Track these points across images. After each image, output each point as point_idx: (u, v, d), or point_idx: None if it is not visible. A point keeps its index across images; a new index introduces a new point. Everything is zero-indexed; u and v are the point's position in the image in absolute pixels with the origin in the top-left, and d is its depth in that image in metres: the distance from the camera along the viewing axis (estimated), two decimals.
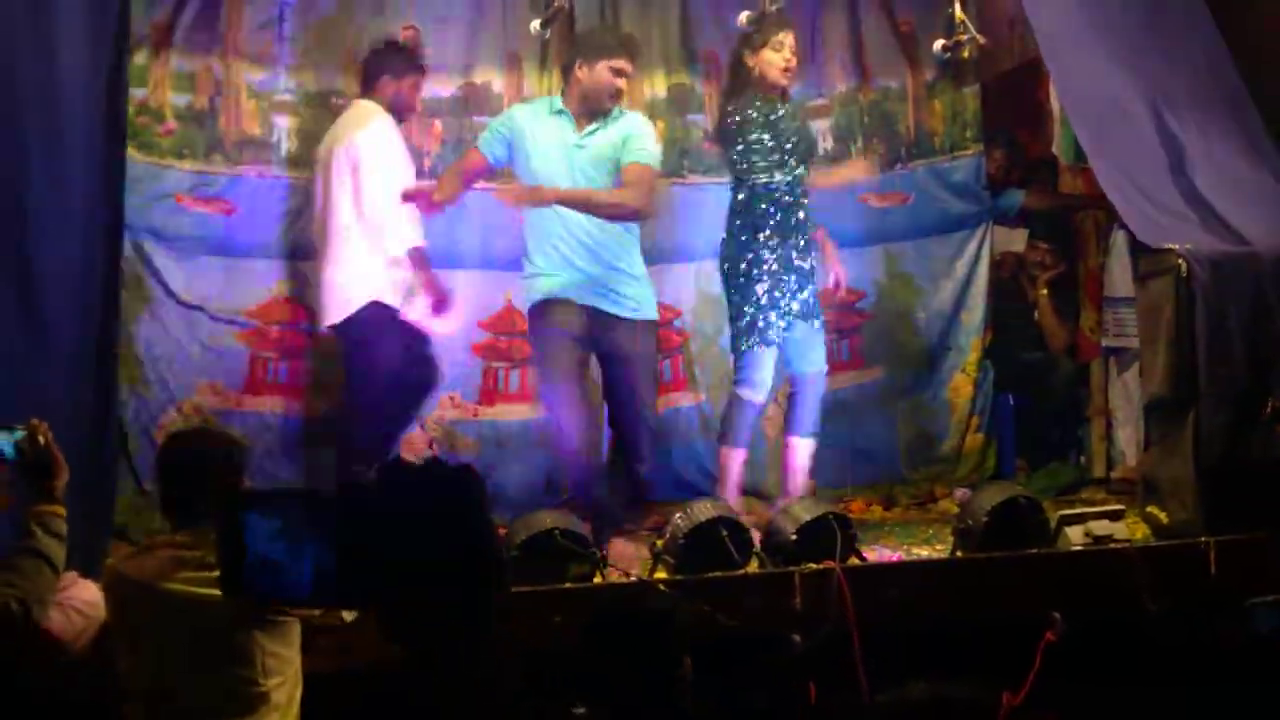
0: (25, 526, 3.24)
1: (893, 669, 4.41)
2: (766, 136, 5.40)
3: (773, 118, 5.41)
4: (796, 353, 5.53)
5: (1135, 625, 4.60)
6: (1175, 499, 5.01)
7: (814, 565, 4.51)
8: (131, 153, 5.67)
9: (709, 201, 6.58)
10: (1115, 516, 4.93)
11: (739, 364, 5.47)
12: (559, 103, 5.35)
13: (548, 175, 5.24)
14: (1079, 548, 4.81)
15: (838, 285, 5.79)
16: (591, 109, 5.28)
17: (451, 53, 6.37)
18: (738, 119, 5.42)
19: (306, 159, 6.12)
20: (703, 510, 4.69)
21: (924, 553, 5.18)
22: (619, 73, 5.27)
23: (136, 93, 5.86)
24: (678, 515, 4.70)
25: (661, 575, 4.54)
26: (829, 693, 4.30)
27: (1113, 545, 4.81)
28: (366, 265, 5.53)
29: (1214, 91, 5.43)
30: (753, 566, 4.65)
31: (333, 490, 1.15)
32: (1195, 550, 4.77)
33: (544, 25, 5.25)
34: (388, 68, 5.68)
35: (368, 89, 5.68)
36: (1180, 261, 4.94)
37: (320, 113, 6.19)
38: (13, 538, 3.28)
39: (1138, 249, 5.37)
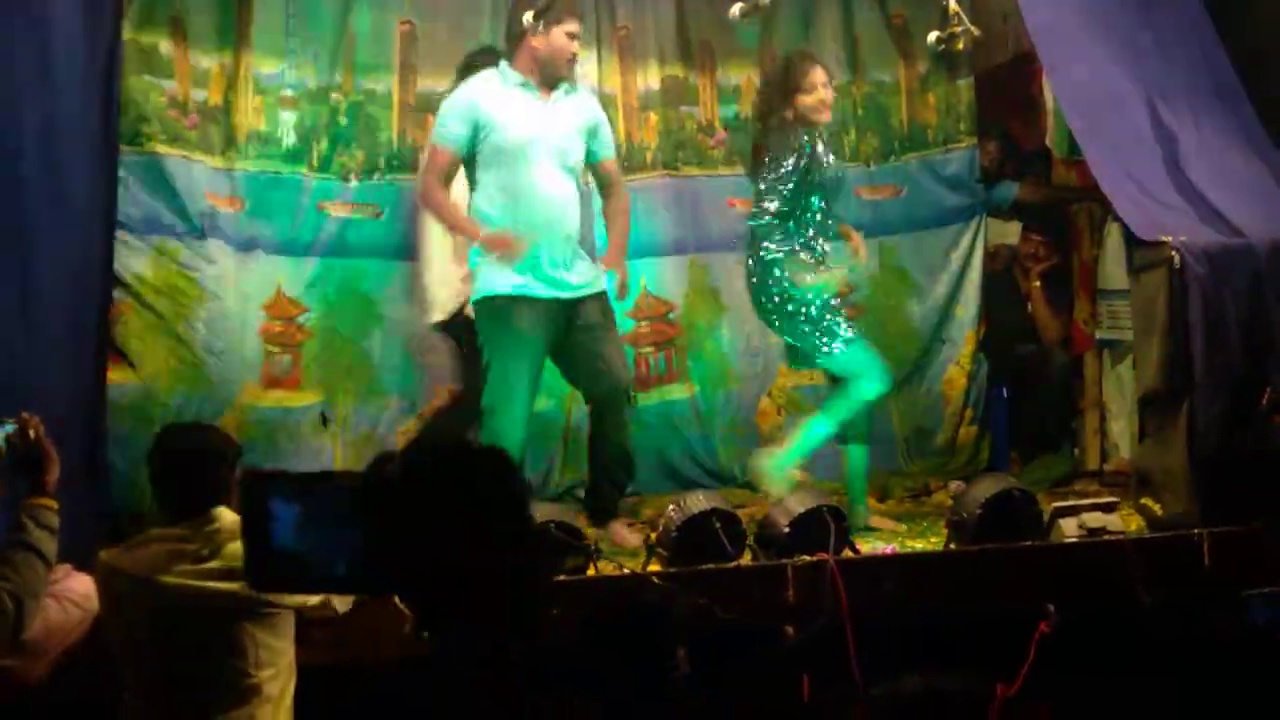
0: (16, 520, 3.23)
1: (886, 661, 4.41)
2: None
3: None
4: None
5: (1129, 617, 4.61)
6: (1169, 491, 5.01)
7: (807, 557, 4.51)
8: (162, 147, 5.72)
9: (702, 194, 6.59)
10: (1109, 509, 4.93)
11: None
12: (516, 75, 5.18)
13: (524, 148, 5.10)
14: (1073, 540, 4.80)
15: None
16: (550, 76, 5.18)
17: (445, 46, 6.35)
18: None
19: (306, 154, 6.12)
20: (695, 502, 4.69)
21: (918, 545, 5.18)
22: (573, 36, 5.18)
23: (166, 84, 5.87)
24: (670, 507, 4.70)
25: (655, 568, 4.54)
26: (823, 685, 4.30)
27: (1106, 537, 4.80)
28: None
29: (1209, 84, 5.43)
30: (746, 559, 4.64)
31: (360, 474, 1.11)
32: (1189, 542, 4.77)
33: (537, 18, 5.21)
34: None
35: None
36: (1174, 254, 4.94)
37: (320, 108, 6.19)
38: (4, 532, 3.27)
39: (1132, 241, 5.36)
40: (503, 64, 5.25)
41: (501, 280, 5.09)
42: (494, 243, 5.04)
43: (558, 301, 5.15)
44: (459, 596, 1.08)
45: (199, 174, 5.97)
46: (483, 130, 5.11)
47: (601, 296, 5.28)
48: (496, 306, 5.13)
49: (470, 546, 1.07)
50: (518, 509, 1.09)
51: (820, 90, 5.41)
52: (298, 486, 1.14)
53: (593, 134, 5.29)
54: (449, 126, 5.16)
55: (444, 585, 1.08)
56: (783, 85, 5.45)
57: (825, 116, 5.45)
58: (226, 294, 5.99)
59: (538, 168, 5.12)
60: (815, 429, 5.44)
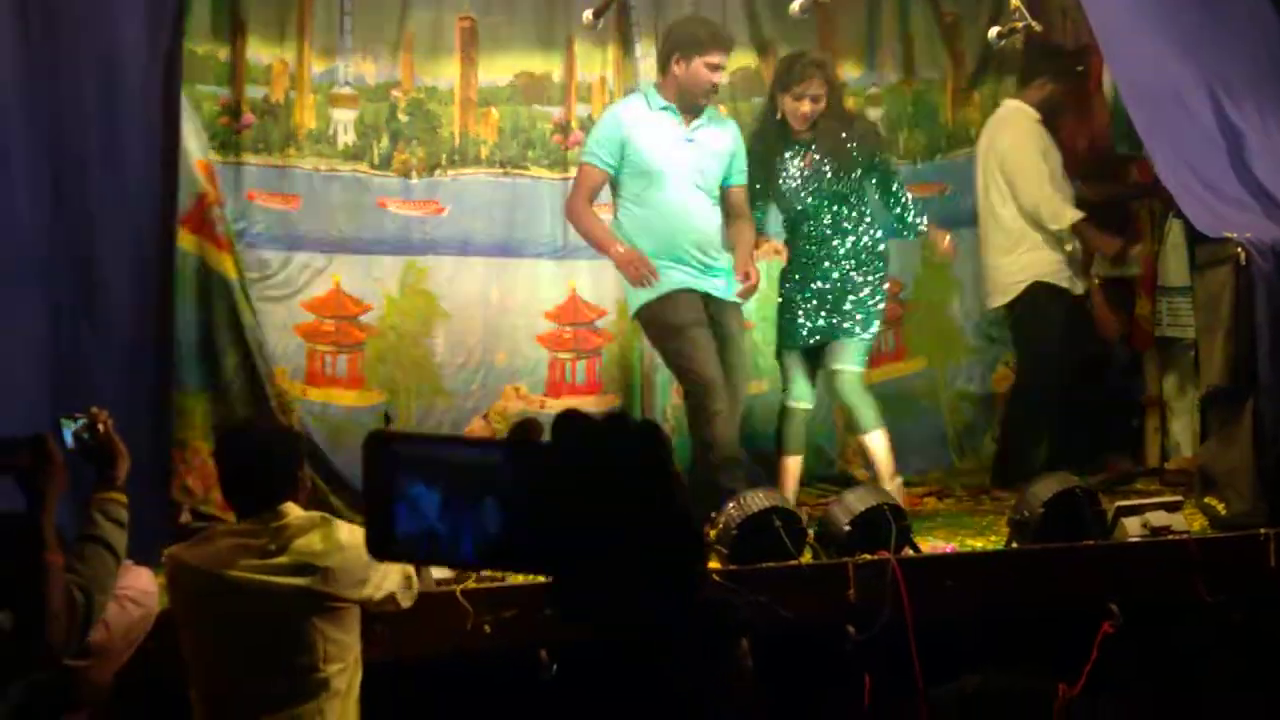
0: (87, 514, 3.26)
1: (948, 660, 4.39)
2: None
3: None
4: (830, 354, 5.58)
5: (1193, 617, 4.57)
6: (1233, 490, 4.96)
7: (868, 556, 4.49)
8: (214, 157, 5.76)
9: None
10: (1173, 508, 4.89)
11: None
12: (660, 98, 5.34)
13: (661, 170, 5.27)
14: (1135, 539, 4.76)
15: None
16: (689, 104, 5.35)
17: (506, 41, 6.37)
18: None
19: (367, 152, 6.16)
20: (756, 500, 4.67)
21: (978, 544, 5.14)
22: (715, 68, 5.32)
23: (221, 92, 5.92)
24: (730, 505, 4.68)
25: (714, 565, 4.53)
26: (884, 684, 4.29)
27: (1170, 537, 4.76)
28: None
29: (1274, 78, 5.36)
30: (806, 557, 4.62)
31: (501, 441, 1.01)
32: (1254, 542, 4.73)
33: (597, 15, 5.23)
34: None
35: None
36: (1239, 250, 4.89)
37: (379, 105, 6.22)
38: (75, 525, 3.30)
39: (1195, 238, 5.31)
40: (649, 88, 5.48)
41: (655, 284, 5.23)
42: (626, 261, 5.19)
43: (708, 296, 5.31)
44: (609, 574, 0.97)
45: (246, 176, 6.00)
46: (629, 151, 5.28)
47: (736, 309, 5.46)
48: (654, 306, 5.26)
49: (625, 520, 0.96)
50: (675, 484, 0.99)
51: (805, 102, 5.46)
52: (426, 450, 1.04)
53: (732, 160, 5.46)
54: (600, 148, 5.34)
55: (596, 565, 0.97)
56: (782, 80, 5.55)
57: (799, 126, 5.50)
58: (267, 292, 6.03)
59: (675, 188, 5.29)
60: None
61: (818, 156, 5.51)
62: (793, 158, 5.53)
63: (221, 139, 5.95)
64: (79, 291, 4.25)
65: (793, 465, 5.59)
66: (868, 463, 5.66)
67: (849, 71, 6.71)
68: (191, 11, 5.63)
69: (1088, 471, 5.72)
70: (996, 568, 4.76)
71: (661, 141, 5.30)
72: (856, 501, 4.71)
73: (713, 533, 4.63)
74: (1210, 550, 4.73)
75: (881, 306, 5.63)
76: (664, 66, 5.38)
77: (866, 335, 5.56)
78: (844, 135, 5.54)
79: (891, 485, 5.40)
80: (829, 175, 5.51)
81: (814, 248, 5.57)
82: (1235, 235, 4.93)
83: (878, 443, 5.52)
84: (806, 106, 5.46)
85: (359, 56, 6.21)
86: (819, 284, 5.54)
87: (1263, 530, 4.73)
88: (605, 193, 5.45)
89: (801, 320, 5.56)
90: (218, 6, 5.94)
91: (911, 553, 4.65)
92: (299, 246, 6.10)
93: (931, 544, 5.02)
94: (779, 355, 5.71)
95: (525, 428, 0.99)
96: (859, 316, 5.52)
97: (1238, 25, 5.39)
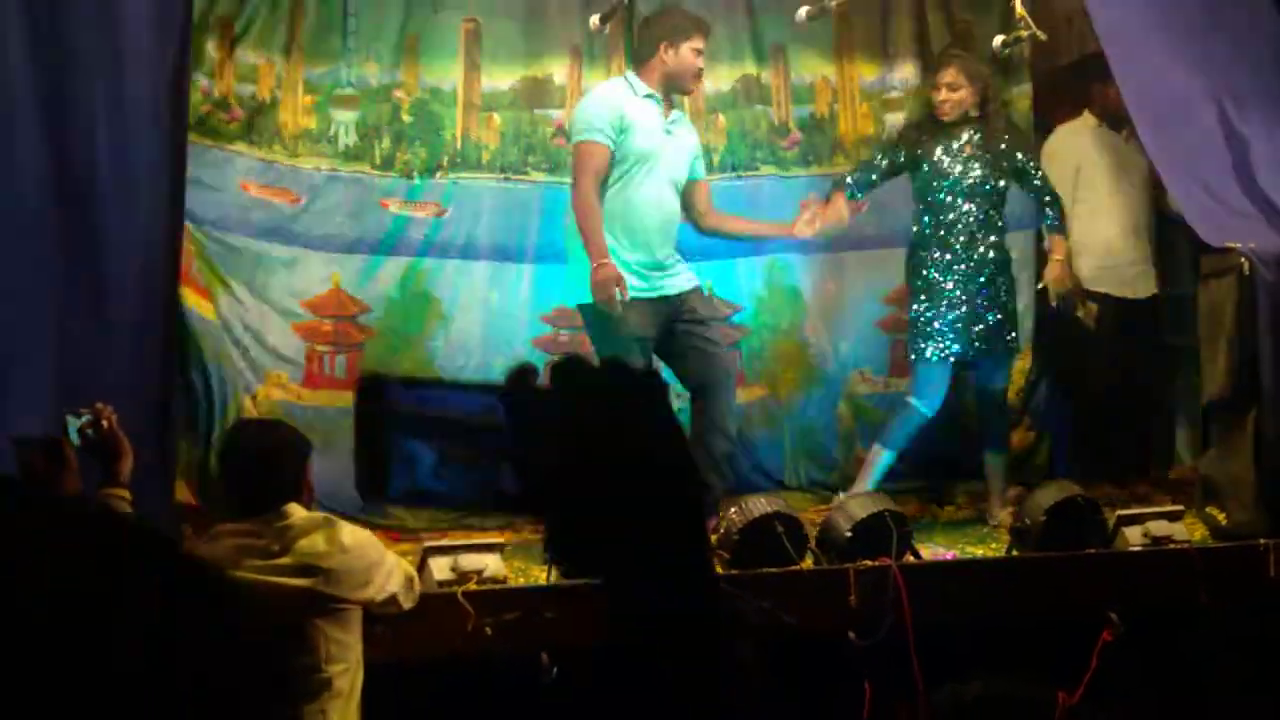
0: None
1: (948, 667, 4.39)
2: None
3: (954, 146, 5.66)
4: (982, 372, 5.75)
5: (1194, 626, 4.57)
6: (1234, 500, 4.97)
7: (869, 562, 4.50)
8: (199, 139, 5.73)
9: (780, 193, 6.57)
10: (1174, 517, 4.89)
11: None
12: (643, 85, 5.35)
13: (649, 156, 5.30)
14: (1137, 548, 4.76)
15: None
16: (676, 90, 5.42)
17: (510, 45, 6.38)
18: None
19: (367, 153, 6.16)
20: (758, 505, 4.68)
21: (979, 552, 5.15)
22: (699, 53, 5.39)
23: (205, 82, 5.91)
24: (733, 510, 4.69)
25: (716, 570, 4.53)
26: (885, 690, 4.29)
27: (1171, 546, 4.76)
28: None
29: (1279, 86, 5.36)
30: (808, 563, 4.63)
31: (497, 388, 0.99)
32: (1254, 552, 4.73)
33: (604, 20, 5.23)
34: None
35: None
36: (1244, 260, 4.90)
37: (381, 106, 6.22)
38: None
39: (1199, 248, 5.31)
40: (630, 75, 5.45)
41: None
42: (603, 280, 5.12)
43: (663, 300, 5.31)
44: (613, 525, 0.94)
45: (238, 165, 5.97)
46: (624, 133, 5.27)
47: (699, 292, 5.49)
48: (601, 309, 5.23)
49: (627, 465, 0.93)
50: (676, 428, 0.97)
51: (943, 90, 5.66)
52: (419, 393, 1.03)
53: (694, 159, 5.56)
54: (601, 121, 5.27)
55: (595, 512, 0.93)
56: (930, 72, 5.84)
57: (941, 116, 5.66)
58: (261, 286, 6.01)
59: (654, 179, 5.32)
60: (883, 461, 5.57)
61: (968, 151, 5.62)
62: (942, 150, 5.63)
63: (210, 125, 5.91)
64: (85, 289, 4.25)
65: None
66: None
67: (864, 75, 6.69)
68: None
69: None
70: (997, 575, 4.76)
71: (648, 126, 5.31)
72: (858, 508, 4.71)
73: (714, 538, 4.63)
74: (1211, 560, 4.73)
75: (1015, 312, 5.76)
76: (649, 55, 5.38)
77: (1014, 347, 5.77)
78: (997, 134, 5.70)
79: (1001, 512, 5.53)
80: (979, 172, 5.62)
81: (957, 246, 5.61)
82: (1239, 245, 4.93)
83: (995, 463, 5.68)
84: (943, 94, 5.62)
85: (361, 57, 6.21)
86: (957, 292, 5.59)
87: (1263, 541, 4.73)
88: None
89: (940, 328, 5.56)
90: (209, 7, 5.92)
91: (913, 559, 4.66)
92: (298, 244, 6.09)
93: (933, 550, 5.03)
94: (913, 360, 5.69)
95: (524, 374, 0.97)
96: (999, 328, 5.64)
97: (1244, 35, 5.38)
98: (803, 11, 5.55)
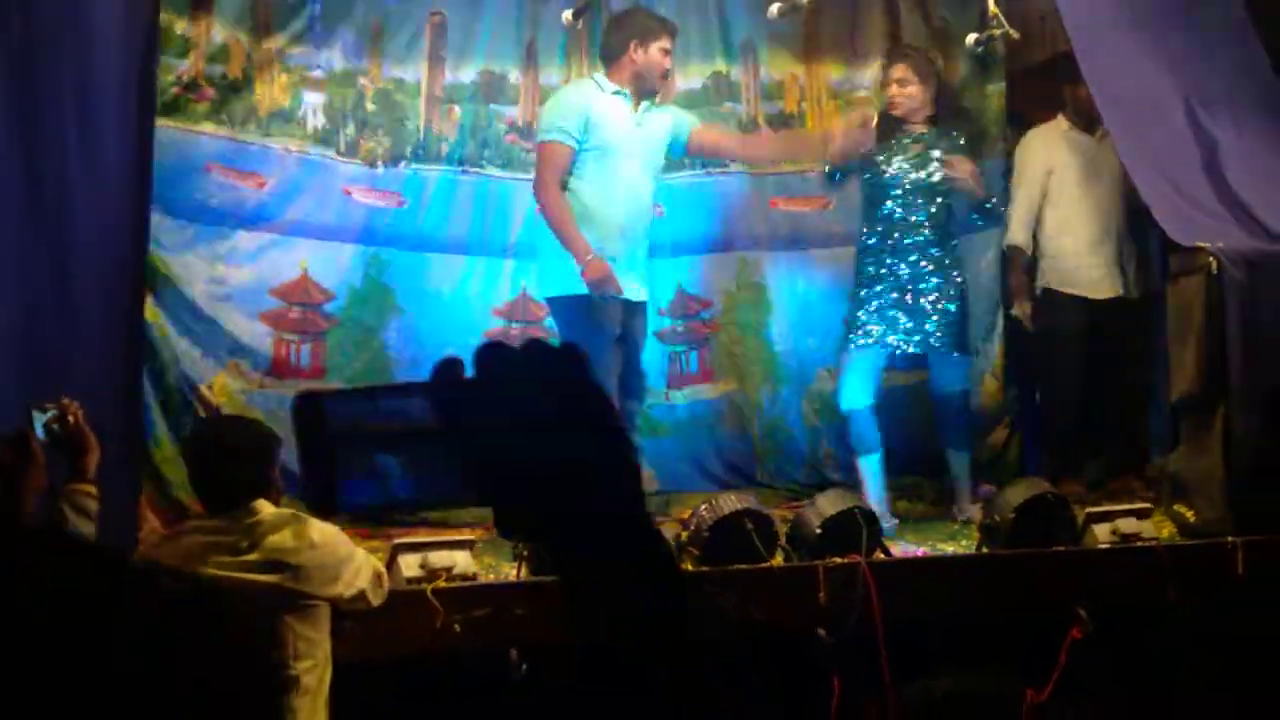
0: (55, 506, 3.24)
1: (917, 663, 4.40)
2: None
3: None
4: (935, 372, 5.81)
5: (1162, 622, 4.59)
6: (1203, 497, 4.99)
7: (839, 559, 4.50)
8: (165, 122, 5.66)
9: (746, 192, 6.59)
10: (1143, 515, 4.91)
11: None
12: (611, 84, 5.43)
13: (618, 153, 5.36)
14: (1105, 545, 4.78)
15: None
16: (643, 88, 5.46)
17: (474, 39, 6.37)
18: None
19: (334, 137, 6.13)
20: (728, 502, 4.68)
21: (949, 548, 5.16)
22: (667, 53, 5.47)
23: (179, 64, 5.86)
24: (703, 507, 4.69)
25: (686, 567, 4.53)
26: (853, 686, 4.30)
27: (1139, 543, 4.78)
28: None
29: (1249, 88, 5.38)
30: (778, 560, 4.63)
31: (421, 381, 1.01)
32: (1222, 549, 4.75)
33: (576, 16, 5.25)
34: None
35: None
36: (1212, 259, 4.92)
37: (347, 91, 6.19)
38: (44, 517, 3.28)
39: (1168, 246, 5.34)
40: (598, 75, 5.51)
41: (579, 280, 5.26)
42: (597, 275, 5.21)
43: (626, 304, 5.36)
44: (551, 490, 0.97)
45: (204, 146, 5.91)
46: (591, 130, 5.34)
47: (645, 309, 5.56)
48: (579, 304, 5.27)
49: (560, 441, 0.96)
50: (601, 397, 0.99)
51: (893, 86, 5.71)
52: (358, 404, 1.04)
53: (673, 138, 5.61)
54: (563, 122, 5.36)
55: (533, 489, 0.96)
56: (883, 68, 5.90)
57: (893, 112, 5.72)
58: (224, 274, 5.96)
59: (628, 169, 5.39)
60: (872, 468, 5.65)
61: (915, 151, 5.68)
62: (893, 148, 5.68)
63: (177, 107, 5.86)
64: (52, 280, 4.21)
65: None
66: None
67: (832, 74, 6.71)
68: None
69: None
70: (967, 572, 4.78)
71: (618, 121, 5.38)
72: (828, 505, 4.72)
73: (684, 535, 4.64)
74: (1179, 557, 4.75)
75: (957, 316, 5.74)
76: (619, 54, 5.44)
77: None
78: (954, 132, 5.78)
79: (971, 507, 5.59)
80: (925, 172, 5.67)
81: (901, 244, 5.65)
82: (1208, 244, 4.95)
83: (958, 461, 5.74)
84: (894, 90, 5.69)
85: (327, 39, 6.18)
86: (894, 285, 5.63)
87: (1231, 538, 4.75)
88: None
89: (867, 318, 5.63)
90: None
91: (882, 556, 4.67)
92: (267, 229, 6.05)
93: (902, 547, 5.04)
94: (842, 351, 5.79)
95: (449, 365, 1.00)
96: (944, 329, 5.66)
97: (1213, 35, 5.41)
98: (774, 8, 5.56)
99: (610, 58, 5.49)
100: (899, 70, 5.71)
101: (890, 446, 5.73)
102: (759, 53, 6.62)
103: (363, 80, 6.23)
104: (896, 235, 5.64)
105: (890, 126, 5.71)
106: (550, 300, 5.49)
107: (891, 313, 5.60)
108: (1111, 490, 5.99)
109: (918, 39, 6.74)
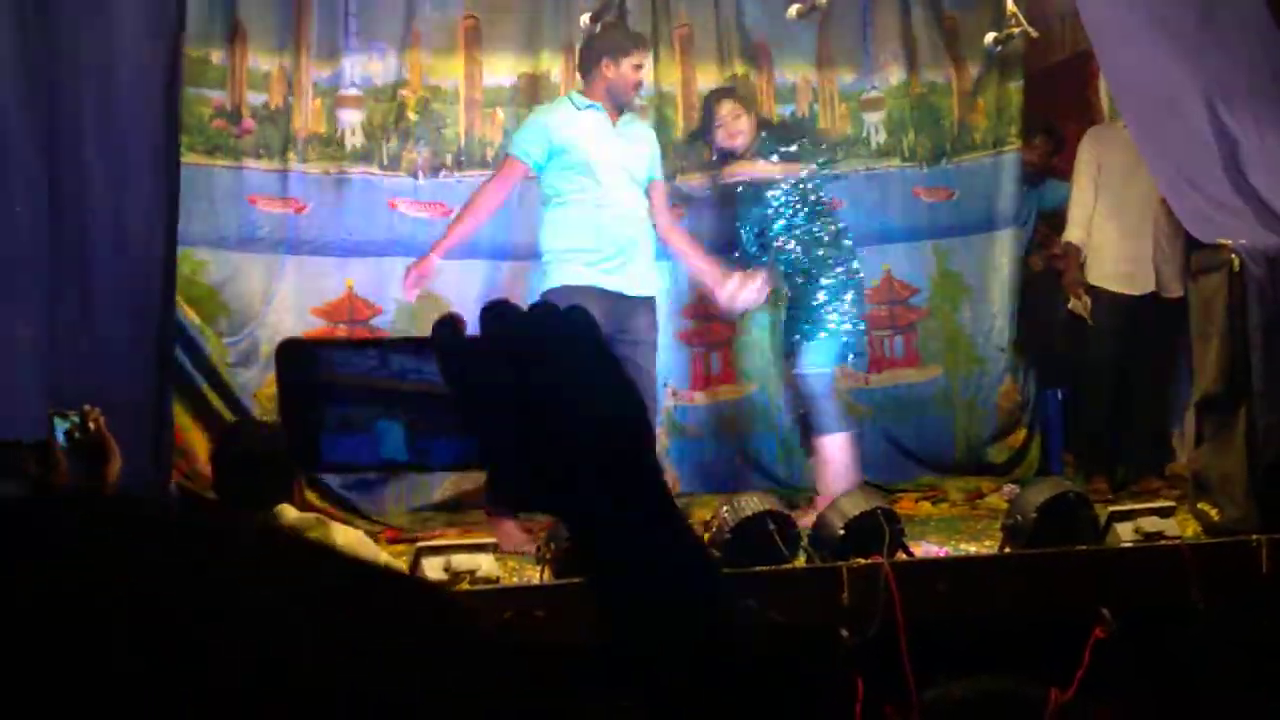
0: None
1: (940, 665, 4.39)
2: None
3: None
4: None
5: (1187, 622, 4.57)
6: (1227, 496, 4.97)
7: (862, 560, 4.50)
8: (208, 161, 5.75)
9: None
10: (1166, 513, 4.90)
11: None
12: (585, 99, 5.49)
13: (594, 163, 5.38)
14: (1129, 544, 4.77)
15: None
16: (617, 102, 5.51)
17: (511, 42, 6.39)
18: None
19: (375, 153, 6.17)
20: (749, 503, 4.68)
21: (972, 549, 5.15)
22: (639, 68, 5.55)
23: (213, 95, 5.92)
24: (724, 508, 4.70)
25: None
26: (876, 688, 4.29)
27: (1163, 542, 4.77)
28: None
29: (1270, 85, 5.36)
30: (800, 561, 4.63)
31: (418, 336, 0.95)
32: (1246, 548, 4.73)
33: (594, 20, 5.28)
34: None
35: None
36: (1234, 257, 4.90)
37: (387, 105, 6.22)
38: None
39: (1190, 244, 5.32)
40: (573, 93, 5.59)
41: (573, 273, 5.34)
42: (413, 270, 5.40)
43: (622, 297, 5.39)
44: (566, 465, 0.92)
45: (248, 180, 6.01)
46: (558, 152, 5.40)
47: (652, 305, 5.58)
48: (558, 295, 5.24)
49: (565, 401, 0.91)
50: (612, 361, 0.94)
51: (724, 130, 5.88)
52: (350, 355, 0.97)
53: (652, 158, 5.66)
54: (527, 142, 5.48)
55: (537, 448, 0.91)
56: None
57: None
58: (270, 299, 6.03)
59: (609, 180, 5.42)
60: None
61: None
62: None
63: (217, 143, 5.95)
64: (78, 294, 4.25)
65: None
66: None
67: (843, 76, 6.72)
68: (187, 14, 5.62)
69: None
70: (989, 572, 4.77)
71: (593, 135, 5.44)
72: (850, 505, 4.72)
73: (706, 536, 4.64)
74: (1203, 556, 4.73)
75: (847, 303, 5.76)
76: (592, 68, 5.51)
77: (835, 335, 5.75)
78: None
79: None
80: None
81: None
82: (1229, 241, 4.94)
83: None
84: (725, 132, 5.85)
85: (365, 57, 6.22)
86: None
87: (1255, 536, 4.73)
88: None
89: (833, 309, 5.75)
90: (214, 9, 5.94)
91: (905, 557, 4.66)
92: (308, 251, 6.10)
93: (925, 548, 5.03)
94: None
95: (451, 322, 0.95)
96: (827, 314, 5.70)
97: (1233, 32, 5.38)
98: (793, 9, 5.58)
99: (585, 71, 5.58)
100: (728, 106, 5.88)
101: (908, 448, 5.74)
102: (773, 56, 6.63)
103: (403, 91, 6.28)
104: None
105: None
106: (546, 294, 5.50)
107: (840, 302, 5.74)
108: (1136, 490, 5.99)
109: (931, 38, 6.76)
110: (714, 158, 5.96)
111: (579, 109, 5.49)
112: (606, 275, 5.37)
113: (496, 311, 0.93)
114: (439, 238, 5.52)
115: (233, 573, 0.62)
